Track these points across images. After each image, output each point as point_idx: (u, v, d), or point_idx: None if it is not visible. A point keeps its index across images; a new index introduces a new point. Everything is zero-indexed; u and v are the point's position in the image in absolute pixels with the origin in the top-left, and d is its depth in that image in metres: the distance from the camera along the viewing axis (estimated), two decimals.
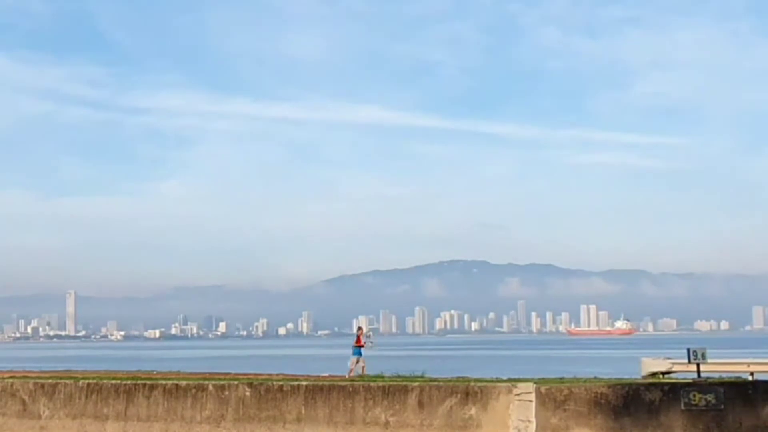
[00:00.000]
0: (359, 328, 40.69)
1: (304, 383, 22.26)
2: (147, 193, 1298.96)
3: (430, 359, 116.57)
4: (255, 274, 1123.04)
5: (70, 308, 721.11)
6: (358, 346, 37.02)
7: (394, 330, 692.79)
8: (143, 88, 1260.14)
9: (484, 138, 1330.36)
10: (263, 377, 32.24)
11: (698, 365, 25.70)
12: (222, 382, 23.14)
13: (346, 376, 35.57)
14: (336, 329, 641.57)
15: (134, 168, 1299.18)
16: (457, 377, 27.37)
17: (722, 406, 20.28)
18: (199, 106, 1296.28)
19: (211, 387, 22.53)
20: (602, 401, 20.61)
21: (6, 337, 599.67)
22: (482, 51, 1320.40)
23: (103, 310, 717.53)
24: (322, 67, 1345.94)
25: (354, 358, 36.81)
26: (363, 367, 36.37)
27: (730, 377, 25.82)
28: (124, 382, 23.93)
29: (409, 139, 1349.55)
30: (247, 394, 22.17)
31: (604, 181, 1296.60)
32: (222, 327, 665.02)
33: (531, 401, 20.74)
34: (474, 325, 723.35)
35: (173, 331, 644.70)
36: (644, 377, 34.10)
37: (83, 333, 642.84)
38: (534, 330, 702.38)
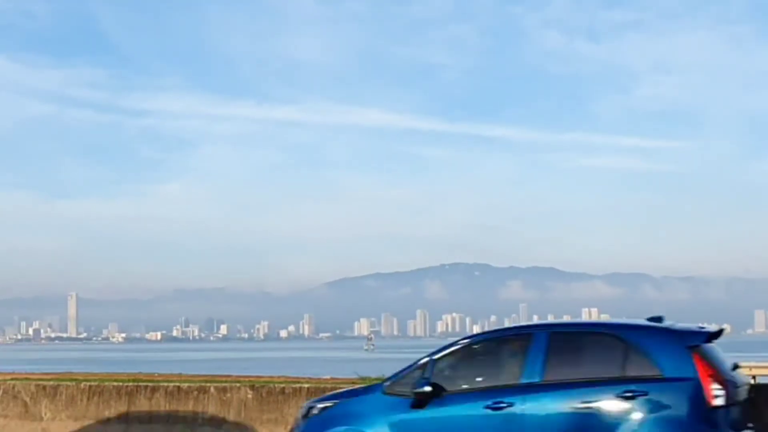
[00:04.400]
0: None
1: (306, 386, 22.25)
2: (148, 196, 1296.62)
3: None
4: (256, 276, 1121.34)
5: (72, 310, 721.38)
6: None
7: (395, 333, 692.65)
8: (144, 91, 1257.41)
9: (485, 141, 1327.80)
10: (265, 379, 32.23)
11: None
12: (224, 385, 23.14)
13: None
14: (337, 332, 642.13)
15: (136, 170, 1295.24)
16: None
17: None
18: (201, 108, 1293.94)
19: (212, 389, 22.54)
20: None
21: (7, 338, 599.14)
22: (484, 54, 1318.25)
23: (104, 312, 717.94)
24: (323, 70, 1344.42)
25: None
26: None
27: None
28: (126, 384, 23.93)
29: (410, 141, 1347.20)
30: (249, 396, 22.17)
31: (606, 184, 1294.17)
32: (223, 329, 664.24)
33: None
34: (475, 328, 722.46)
35: (174, 333, 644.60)
36: None
37: (84, 335, 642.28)
38: None
